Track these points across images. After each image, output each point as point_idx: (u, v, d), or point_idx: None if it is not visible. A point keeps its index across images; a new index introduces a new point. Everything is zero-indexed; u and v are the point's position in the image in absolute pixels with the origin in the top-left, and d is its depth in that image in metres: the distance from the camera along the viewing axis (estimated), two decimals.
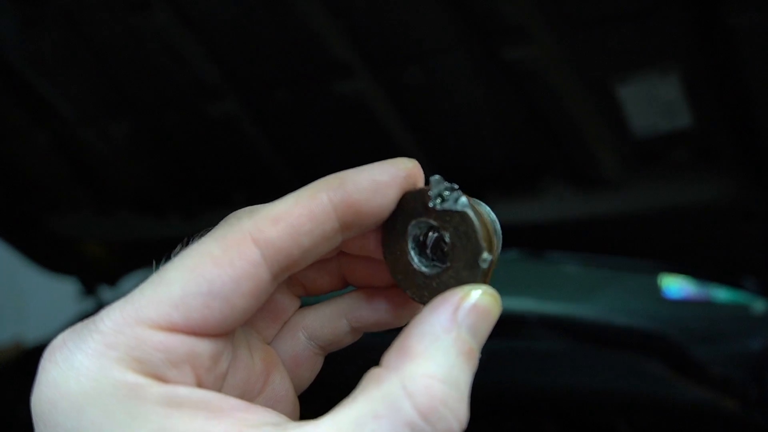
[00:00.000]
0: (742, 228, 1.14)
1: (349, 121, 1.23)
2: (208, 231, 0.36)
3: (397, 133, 1.21)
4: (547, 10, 0.95)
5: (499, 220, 0.36)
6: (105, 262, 1.95)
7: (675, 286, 1.59)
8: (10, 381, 1.70)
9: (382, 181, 0.34)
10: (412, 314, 0.39)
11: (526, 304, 1.60)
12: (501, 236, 0.36)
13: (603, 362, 1.42)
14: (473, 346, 0.32)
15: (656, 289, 1.61)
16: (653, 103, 1.00)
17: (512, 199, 1.24)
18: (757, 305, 1.53)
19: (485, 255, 0.32)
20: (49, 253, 1.93)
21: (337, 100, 1.18)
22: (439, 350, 0.30)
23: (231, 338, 0.34)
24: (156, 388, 0.29)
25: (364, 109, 1.18)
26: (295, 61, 1.16)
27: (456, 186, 0.34)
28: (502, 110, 1.12)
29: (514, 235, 1.33)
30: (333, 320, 0.40)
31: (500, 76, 1.06)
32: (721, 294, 1.58)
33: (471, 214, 0.33)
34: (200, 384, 0.31)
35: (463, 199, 0.33)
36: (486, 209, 0.36)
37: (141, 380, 0.29)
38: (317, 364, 0.41)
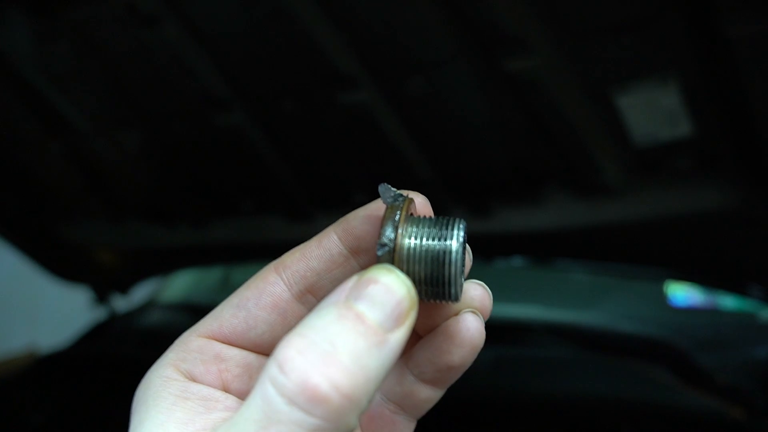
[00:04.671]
0: (746, 235, 1.15)
1: (354, 131, 1.25)
2: None
3: (401, 142, 1.23)
4: (547, 21, 0.96)
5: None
6: (116, 269, 1.98)
7: (681, 293, 1.59)
8: (24, 388, 1.72)
9: (373, 207, 0.39)
10: (463, 342, 0.39)
11: (531, 312, 1.60)
12: (450, 248, 0.36)
13: (609, 369, 1.42)
14: (362, 311, 0.32)
15: (662, 297, 1.61)
16: (654, 112, 1.01)
17: (516, 207, 1.25)
18: (764, 313, 1.52)
19: (381, 240, 0.35)
20: (61, 261, 1.96)
21: (342, 111, 1.20)
22: (315, 316, 0.32)
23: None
24: (178, 383, 0.37)
25: (368, 119, 1.20)
26: (301, 73, 1.18)
27: (402, 193, 0.38)
28: (504, 120, 1.13)
29: (518, 243, 1.34)
30: (395, 370, 0.40)
31: (502, 86, 1.07)
32: (728, 302, 1.57)
33: (388, 210, 0.36)
34: (226, 387, 0.38)
35: (390, 200, 0.37)
36: (437, 228, 0.37)
37: (174, 375, 0.38)
38: (399, 426, 0.41)
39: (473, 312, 0.39)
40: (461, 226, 0.37)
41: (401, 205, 0.37)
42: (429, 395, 0.40)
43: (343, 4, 1.04)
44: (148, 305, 2.10)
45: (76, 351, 1.85)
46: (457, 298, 0.37)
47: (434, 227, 0.37)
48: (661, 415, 1.28)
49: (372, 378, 0.30)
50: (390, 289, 0.33)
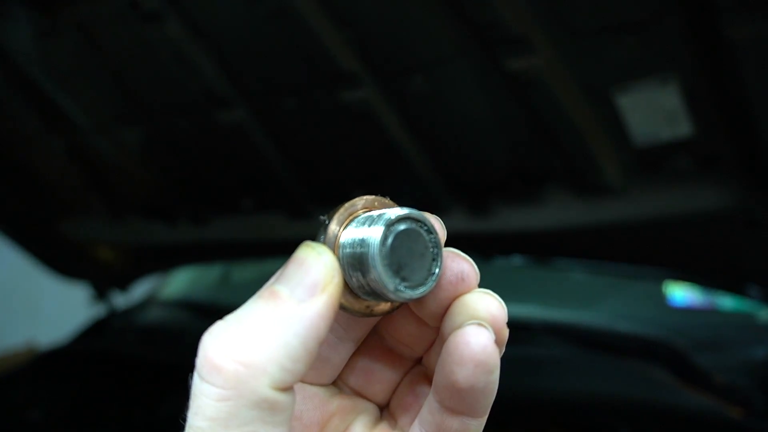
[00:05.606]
0: (746, 235, 1.15)
1: (354, 129, 1.25)
2: None
3: (401, 141, 1.23)
4: (548, 21, 0.97)
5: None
6: (116, 266, 1.98)
7: (680, 293, 1.59)
8: (22, 383, 1.73)
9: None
10: (463, 358, 0.36)
11: (530, 311, 1.60)
12: (369, 243, 0.35)
13: (607, 369, 1.42)
14: (276, 289, 0.33)
15: (661, 297, 1.61)
16: (654, 111, 1.01)
17: (516, 206, 1.25)
18: (762, 314, 1.53)
19: (321, 217, 0.37)
20: (61, 257, 1.96)
21: (343, 109, 1.21)
22: (242, 305, 0.33)
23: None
24: None
25: (369, 118, 1.20)
26: (302, 70, 1.18)
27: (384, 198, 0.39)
28: (505, 119, 1.13)
29: (517, 242, 1.34)
30: (428, 399, 0.39)
31: (503, 85, 1.07)
32: (726, 302, 1.57)
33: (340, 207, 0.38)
34: None
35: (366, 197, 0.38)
36: (389, 211, 0.36)
37: None
38: None
39: (479, 324, 0.35)
40: (389, 218, 0.35)
41: (348, 206, 0.37)
42: (461, 425, 0.37)
43: (345, 2, 1.04)
44: (147, 302, 2.11)
45: (75, 347, 1.85)
46: (399, 300, 0.35)
47: (366, 222, 0.36)
48: (659, 414, 1.29)
49: (278, 345, 0.31)
50: (302, 262, 0.34)
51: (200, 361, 0.32)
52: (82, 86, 1.41)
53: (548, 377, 1.43)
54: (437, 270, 0.36)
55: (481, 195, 1.28)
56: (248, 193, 1.54)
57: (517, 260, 1.46)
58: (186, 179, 1.57)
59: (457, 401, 0.36)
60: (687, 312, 1.61)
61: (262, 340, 0.31)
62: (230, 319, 0.33)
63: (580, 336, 1.52)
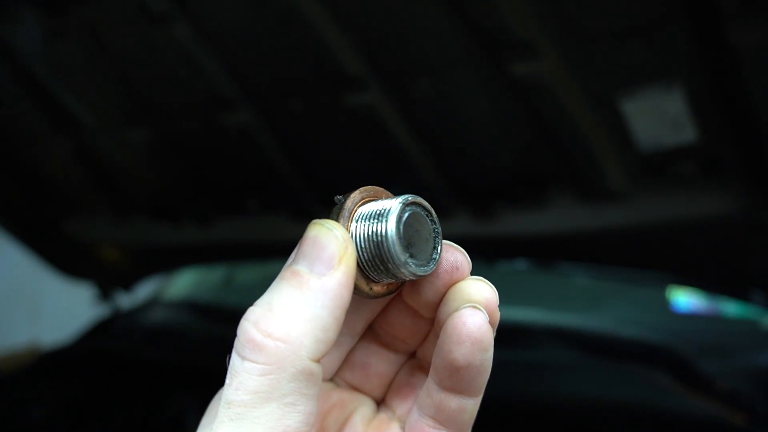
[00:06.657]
0: (750, 241, 1.15)
1: (359, 132, 1.26)
2: None
3: (406, 144, 1.23)
4: (554, 26, 0.97)
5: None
6: (121, 266, 1.98)
7: (683, 299, 1.59)
8: (25, 383, 1.73)
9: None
10: (461, 337, 0.38)
11: (533, 315, 1.60)
12: (382, 230, 0.37)
13: (610, 374, 1.42)
14: (297, 268, 0.36)
15: (664, 302, 1.61)
16: (658, 117, 1.01)
17: (520, 210, 1.26)
18: (766, 320, 1.52)
19: (336, 197, 0.39)
20: (66, 257, 1.97)
21: (348, 112, 1.21)
22: (269, 288, 0.36)
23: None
24: None
25: (374, 121, 1.20)
26: (308, 73, 1.18)
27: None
28: (510, 123, 1.14)
29: (521, 247, 1.34)
30: (426, 382, 0.41)
31: (508, 89, 1.07)
32: (730, 308, 1.57)
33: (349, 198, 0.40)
34: None
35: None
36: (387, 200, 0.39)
37: None
38: None
39: (473, 306, 0.38)
40: (406, 198, 0.37)
41: (358, 195, 0.39)
42: (459, 405, 0.39)
43: (352, 6, 1.04)
44: (151, 303, 2.11)
45: (79, 347, 1.86)
46: (404, 275, 0.37)
47: (381, 203, 0.38)
48: (662, 419, 1.29)
49: (309, 319, 0.35)
50: (315, 239, 0.37)
51: (241, 343, 0.35)
52: (90, 87, 1.42)
53: (551, 381, 1.42)
54: (437, 256, 0.39)
55: (485, 199, 1.28)
56: (253, 195, 1.55)
57: (520, 264, 1.46)
58: (191, 180, 1.58)
59: (455, 380, 0.38)
60: (691, 318, 1.61)
61: (295, 317, 0.34)
62: (262, 303, 0.36)
63: (584, 340, 1.52)
